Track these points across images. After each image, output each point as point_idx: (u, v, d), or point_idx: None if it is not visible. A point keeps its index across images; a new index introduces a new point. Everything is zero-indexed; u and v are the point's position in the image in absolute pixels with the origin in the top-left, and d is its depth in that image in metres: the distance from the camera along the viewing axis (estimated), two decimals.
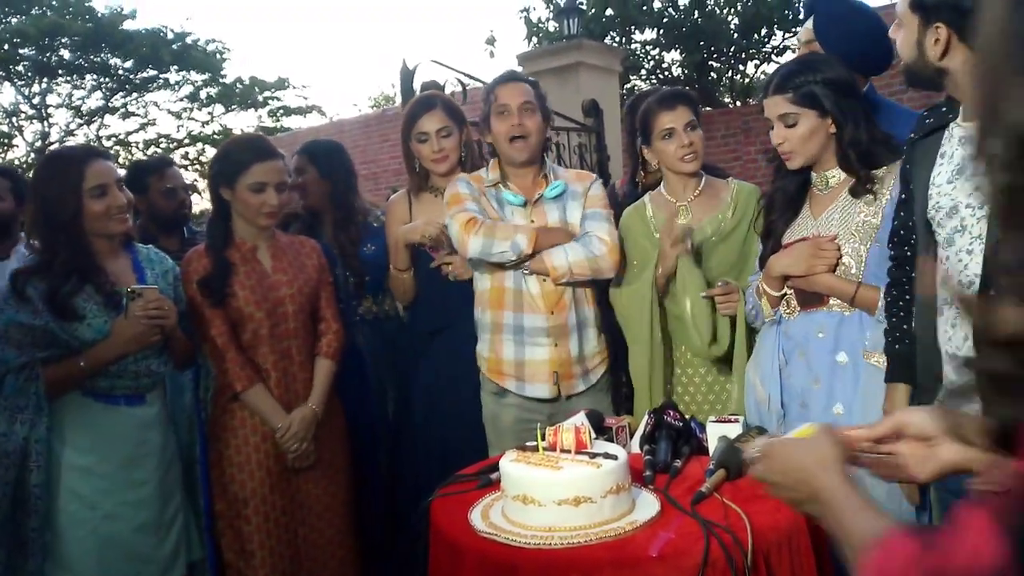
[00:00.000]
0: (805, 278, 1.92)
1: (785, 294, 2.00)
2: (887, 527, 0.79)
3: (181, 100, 15.90)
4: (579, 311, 2.38)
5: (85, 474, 2.07)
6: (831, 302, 1.94)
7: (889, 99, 2.38)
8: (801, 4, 9.15)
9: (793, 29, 9.60)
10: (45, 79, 14.87)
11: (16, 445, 1.95)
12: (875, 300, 1.84)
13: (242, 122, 22.57)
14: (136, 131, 16.14)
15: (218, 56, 15.46)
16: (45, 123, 15.39)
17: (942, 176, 1.59)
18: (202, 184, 16.42)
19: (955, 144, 1.58)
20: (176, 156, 16.45)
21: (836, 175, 1.98)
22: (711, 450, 1.81)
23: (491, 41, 10.79)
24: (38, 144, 15.13)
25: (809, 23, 2.48)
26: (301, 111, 16.64)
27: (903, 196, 1.76)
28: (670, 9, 10.49)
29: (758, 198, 2.31)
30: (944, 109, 1.64)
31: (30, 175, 2.27)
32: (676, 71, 11.34)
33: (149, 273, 2.24)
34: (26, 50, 14.09)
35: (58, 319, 2.02)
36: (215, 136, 16.02)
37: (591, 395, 2.39)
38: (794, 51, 7.90)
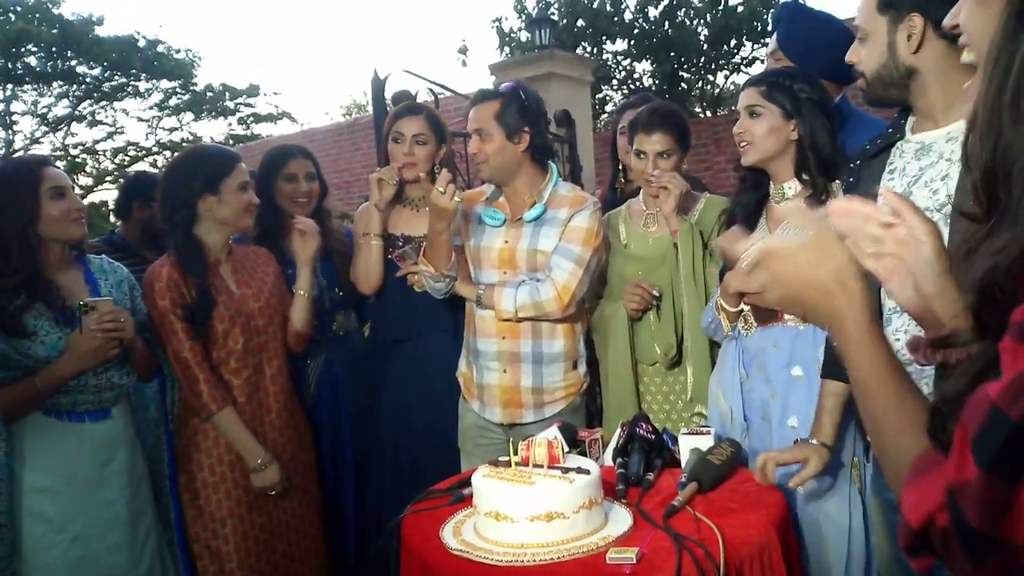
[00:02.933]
0: (760, 295, 1.92)
1: (742, 310, 2.01)
2: (922, 444, 0.74)
3: (151, 108, 15.73)
4: (537, 343, 2.31)
5: (50, 496, 2.01)
6: (786, 317, 1.95)
7: (860, 109, 2.41)
8: (770, 16, 9.29)
9: (762, 40, 9.74)
10: (10, 86, 14.62)
11: None
12: None
13: (212, 130, 22.37)
14: (104, 139, 15.93)
15: (189, 63, 15.32)
16: (9, 131, 15.14)
17: (897, 189, 1.61)
18: None
19: (909, 157, 1.59)
20: (144, 164, 16.25)
21: (793, 187, 2.00)
22: (683, 463, 1.81)
23: (463, 50, 10.80)
24: (2, 152, 14.87)
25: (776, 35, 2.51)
26: (272, 118, 16.53)
27: None
28: (641, 20, 10.58)
29: (720, 211, 2.33)
30: (891, 130, 1.67)
31: None
32: (647, 81, 11.44)
33: (103, 284, 2.19)
34: None
35: (8, 338, 1.96)
36: (184, 144, 15.85)
37: (540, 427, 2.20)
38: (763, 62, 8.01)
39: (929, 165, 1.53)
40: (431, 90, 4.05)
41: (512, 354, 2.30)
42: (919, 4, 1.47)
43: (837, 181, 1.94)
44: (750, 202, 2.07)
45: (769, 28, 2.68)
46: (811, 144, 1.94)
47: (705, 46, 10.57)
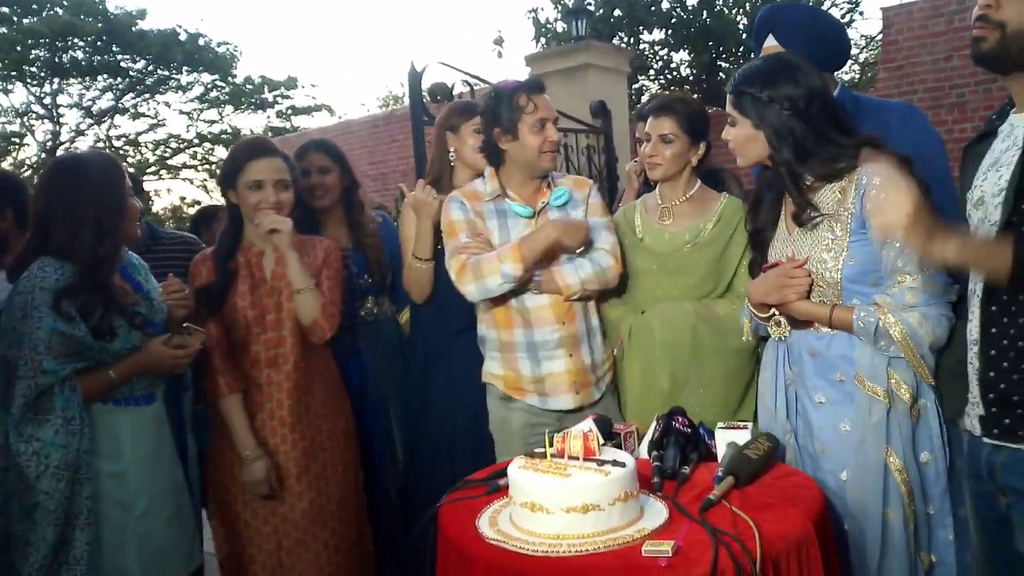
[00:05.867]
0: (784, 305, 1.91)
1: (773, 315, 1.97)
2: None
3: (191, 100, 15.98)
4: (587, 321, 2.37)
5: (120, 479, 2.07)
6: (816, 324, 1.89)
7: (866, 96, 2.44)
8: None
9: None
10: (57, 79, 14.96)
11: (72, 458, 1.94)
12: (850, 321, 1.79)
13: (252, 122, 22.63)
14: (146, 131, 16.24)
15: (229, 57, 15.53)
16: (56, 123, 15.50)
17: (979, 172, 1.59)
18: (211, 184, 16.55)
19: (998, 141, 1.56)
20: (185, 156, 16.54)
21: None
22: (720, 457, 1.80)
23: (499, 41, 10.79)
24: (48, 144, 15.23)
25: (770, 41, 2.49)
26: (309, 110, 16.70)
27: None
28: (678, 9, 10.48)
29: (744, 213, 2.29)
30: (994, 116, 1.62)
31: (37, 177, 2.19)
32: (684, 71, 11.34)
33: (142, 281, 2.24)
34: (39, 51, 14.19)
35: (94, 336, 2.02)
36: (224, 136, 16.09)
37: (603, 403, 2.37)
38: None
39: (1005, 149, 1.51)
40: (467, 82, 4.06)
41: (573, 337, 2.33)
42: None
43: (838, 184, 1.84)
44: (777, 184, 2.00)
45: (754, 32, 2.65)
46: (782, 160, 1.86)
47: (744, 35, 10.43)
